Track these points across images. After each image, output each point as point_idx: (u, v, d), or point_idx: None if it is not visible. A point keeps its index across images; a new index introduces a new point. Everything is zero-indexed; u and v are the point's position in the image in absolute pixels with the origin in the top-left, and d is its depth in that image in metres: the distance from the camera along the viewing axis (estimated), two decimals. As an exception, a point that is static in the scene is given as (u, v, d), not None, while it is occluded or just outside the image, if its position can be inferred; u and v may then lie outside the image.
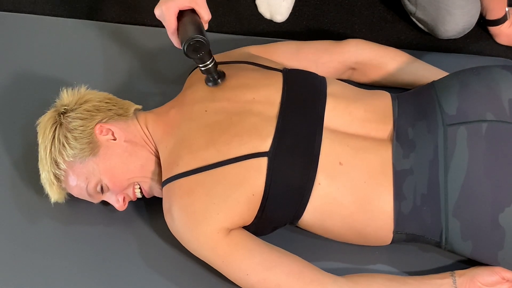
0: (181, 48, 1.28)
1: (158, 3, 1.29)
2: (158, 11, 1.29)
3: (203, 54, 1.28)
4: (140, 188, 1.38)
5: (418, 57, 1.59)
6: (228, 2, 1.95)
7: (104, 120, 1.37)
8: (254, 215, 1.27)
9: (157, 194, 1.40)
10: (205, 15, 1.30)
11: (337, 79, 1.53)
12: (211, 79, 1.36)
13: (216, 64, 1.34)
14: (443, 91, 1.30)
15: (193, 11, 1.29)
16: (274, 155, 1.25)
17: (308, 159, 1.25)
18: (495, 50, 1.77)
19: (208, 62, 1.32)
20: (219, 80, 1.37)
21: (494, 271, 1.23)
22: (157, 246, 1.41)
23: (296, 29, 1.87)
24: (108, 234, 1.44)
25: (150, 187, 1.38)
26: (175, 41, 1.32)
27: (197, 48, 1.26)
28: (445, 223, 1.22)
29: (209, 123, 1.31)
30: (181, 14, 1.29)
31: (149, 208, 1.46)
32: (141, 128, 1.40)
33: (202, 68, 1.33)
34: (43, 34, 1.83)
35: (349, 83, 1.48)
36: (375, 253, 1.36)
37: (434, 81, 1.36)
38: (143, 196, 1.40)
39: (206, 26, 1.32)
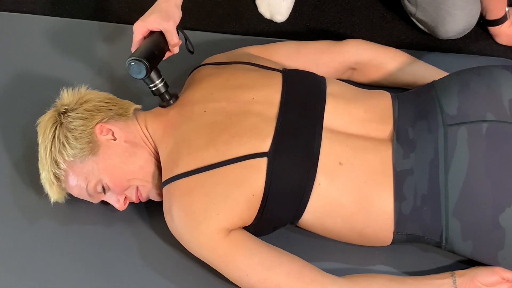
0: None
1: (139, 18, 1.35)
2: (133, 26, 1.34)
3: (146, 76, 1.31)
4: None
5: (418, 57, 1.59)
6: (228, 2, 1.95)
7: (104, 120, 1.37)
8: (254, 216, 1.27)
9: (153, 198, 1.40)
10: (171, 39, 1.35)
11: (337, 79, 1.53)
12: (163, 99, 1.39)
13: (166, 84, 1.37)
14: (444, 91, 1.30)
15: (162, 33, 1.34)
16: (274, 155, 1.25)
17: (308, 159, 1.25)
18: (495, 50, 1.78)
19: (156, 83, 1.36)
20: (171, 101, 1.39)
21: (494, 271, 1.23)
22: (157, 246, 1.41)
23: (296, 29, 1.87)
24: (108, 234, 1.44)
25: (148, 191, 1.38)
26: None
27: (138, 70, 1.30)
28: (445, 223, 1.22)
29: (209, 123, 1.31)
30: (152, 33, 1.34)
31: (149, 208, 1.46)
32: (141, 128, 1.40)
33: (152, 89, 1.37)
34: (43, 34, 1.83)
35: (349, 83, 1.48)
36: (375, 253, 1.36)
37: (434, 81, 1.36)
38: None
39: (175, 50, 1.38)
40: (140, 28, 1.33)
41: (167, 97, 1.38)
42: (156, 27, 1.33)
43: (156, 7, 1.34)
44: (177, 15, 1.35)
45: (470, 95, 1.26)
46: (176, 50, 1.38)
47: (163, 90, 1.37)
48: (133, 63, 1.29)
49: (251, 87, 1.35)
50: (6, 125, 1.63)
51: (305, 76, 1.40)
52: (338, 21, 1.89)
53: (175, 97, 1.40)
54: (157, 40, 1.33)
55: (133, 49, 1.35)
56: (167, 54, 1.39)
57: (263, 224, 1.30)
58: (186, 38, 1.46)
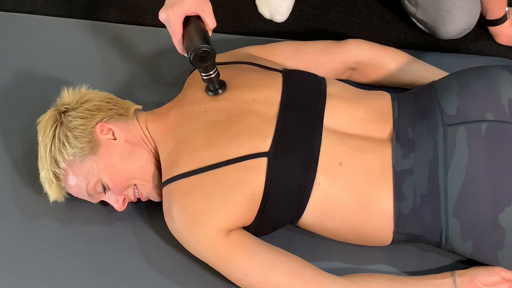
0: (184, 54, 1.26)
1: (164, 6, 1.27)
2: (163, 15, 1.27)
3: (208, 64, 1.27)
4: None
5: (418, 57, 1.59)
6: (228, 2, 1.95)
7: (104, 120, 1.37)
8: (254, 216, 1.27)
9: (153, 198, 1.40)
10: (211, 22, 1.29)
11: (337, 79, 1.53)
12: (212, 88, 1.35)
13: (218, 74, 1.33)
14: (443, 91, 1.30)
15: (198, 17, 1.28)
16: (273, 155, 1.25)
17: (307, 159, 1.25)
18: (495, 50, 1.78)
19: (211, 72, 1.31)
20: (219, 90, 1.35)
21: (494, 271, 1.23)
22: (157, 246, 1.41)
23: (296, 29, 1.87)
24: (108, 234, 1.44)
25: (148, 191, 1.38)
26: (180, 48, 1.31)
27: (203, 58, 1.25)
28: (445, 223, 1.22)
29: (209, 123, 1.31)
30: (187, 20, 1.28)
31: (149, 208, 1.46)
32: (141, 128, 1.40)
33: (205, 77, 1.32)
34: (43, 34, 1.83)
35: (349, 83, 1.48)
36: (375, 253, 1.36)
37: (434, 81, 1.36)
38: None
39: (210, 34, 1.31)
40: (179, 15, 1.25)
41: (216, 86, 1.34)
42: (194, 12, 1.27)
43: None
44: None
45: (469, 95, 1.26)
46: (210, 33, 1.32)
47: (215, 79, 1.33)
48: (200, 51, 1.23)
49: (251, 87, 1.35)
50: (6, 125, 1.64)
51: (305, 77, 1.40)
52: (338, 21, 1.89)
53: (224, 86, 1.36)
54: (200, 24, 1.27)
55: (176, 39, 1.28)
56: None
57: (263, 224, 1.30)
58: None
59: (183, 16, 1.26)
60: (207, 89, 1.36)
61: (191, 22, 1.27)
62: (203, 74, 1.31)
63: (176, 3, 1.25)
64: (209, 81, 1.33)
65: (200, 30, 1.26)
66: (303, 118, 1.30)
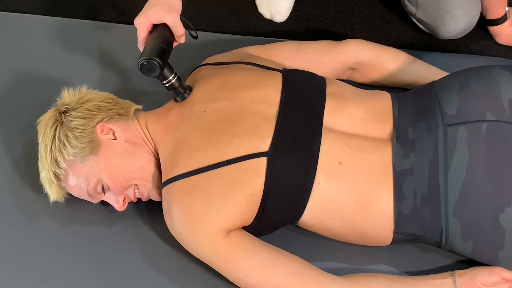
0: None
1: (139, 14, 1.32)
2: (135, 22, 1.32)
3: (160, 73, 1.29)
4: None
5: (418, 57, 1.59)
6: (228, 2, 1.95)
7: (105, 120, 1.37)
8: (254, 216, 1.27)
9: (154, 198, 1.40)
10: (177, 31, 1.32)
11: (337, 79, 1.53)
12: (177, 94, 1.37)
13: (179, 78, 1.35)
14: (443, 91, 1.30)
15: (166, 25, 1.31)
16: (273, 155, 1.25)
17: (307, 158, 1.25)
18: (495, 50, 1.78)
19: (170, 78, 1.33)
20: (185, 94, 1.37)
21: (494, 271, 1.23)
22: (157, 246, 1.41)
23: (296, 29, 1.87)
24: (108, 234, 1.44)
25: (148, 190, 1.38)
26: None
27: (151, 69, 1.27)
28: (445, 223, 1.22)
29: (208, 123, 1.31)
30: (155, 27, 1.32)
31: (149, 208, 1.46)
32: (141, 128, 1.40)
33: (166, 85, 1.34)
34: (43, 34, 1.83)
35: (349, 83, 1.48)
36: (375, 253, 1.36)
37: (434, 81, 1.36)
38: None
39: (182, 41, 1.36)
40: (144, 23, 1.31)
41: (181, 91, 1.36)
42: (159, 20, 1.30)
43: (157, 0, 1.32)
44: (179, 4, 1.33)
45: (469, 95, 1.26)
46: (182, 40, 1.36)
47: (177, 84, 1.35)
48: (146, 62, 1.26)
49: (250, 87, 1.35)
50: (6, 125, 1.63)
51: (305, 76, 1.40)
52: (338, 21, 1.89)
53: (189, 89, 1.38)
54: (163, 33, 1.30)
55: (139, 46, 1.33)
56: (174, 45, 1.36)
57: (263, 224, 1.30)
58: (188, 25, 1.42)
59: (149, 24, 1.31)
60: (173, 96, 1.38)
61: (156, 30, 1.31)
62: (163, 82, 1.33)
63: (144, 12, 1.31)
64: (171, 87, 1.35)
65: (156, 41, 1.29)
66: (302, 118, 1.30)
